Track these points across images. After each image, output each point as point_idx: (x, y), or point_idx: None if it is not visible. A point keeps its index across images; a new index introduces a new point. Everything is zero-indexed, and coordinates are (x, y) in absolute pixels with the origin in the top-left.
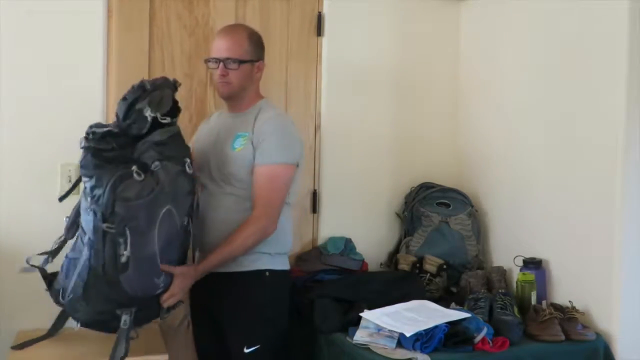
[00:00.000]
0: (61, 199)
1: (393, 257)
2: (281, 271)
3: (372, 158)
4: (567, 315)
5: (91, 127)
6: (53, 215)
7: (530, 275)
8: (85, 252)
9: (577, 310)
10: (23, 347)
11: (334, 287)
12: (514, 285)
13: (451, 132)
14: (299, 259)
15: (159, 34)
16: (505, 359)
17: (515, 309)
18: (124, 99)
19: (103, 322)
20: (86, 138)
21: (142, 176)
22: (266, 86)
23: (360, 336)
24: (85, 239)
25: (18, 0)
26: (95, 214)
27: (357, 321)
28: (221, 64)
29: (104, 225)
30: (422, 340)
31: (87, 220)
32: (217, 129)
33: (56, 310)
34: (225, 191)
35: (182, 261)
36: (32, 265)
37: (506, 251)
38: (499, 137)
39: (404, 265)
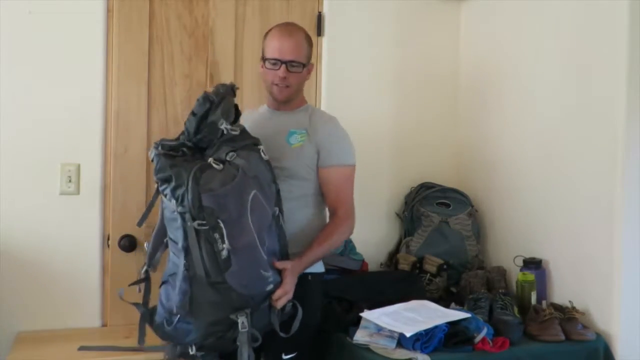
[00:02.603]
0: (139, 223)
1: (393, 257)
2: (320, 274)
3: (372, 158)
4: (567, 315)
5: (158, 142)
6: (53, 215)
7: (530, 275)
8: (181, 262)
9: (577, 310)
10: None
11: (334, 287)
12: (514, 285)
13: (451, 132)
14: None
15: (159, 34)
16: (505, 359)
17: (515, 309)
18: (193, 114)
19: (219, 336)
20: (155, 147)
21: (221, 166)
22: None
23: (360, 336)
24: (178, 249)
25: (18, 1)
26: (182, 216)
27: (357, 321)
28: (283, 65)
29: (195, 224)
30: (422, 340)
31: (175, 228)
32: (263, 123)
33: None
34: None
35: (285, 257)
36: (133, 304)
37: (506, 251)
38: (499, 137)
39: (404, 265)
